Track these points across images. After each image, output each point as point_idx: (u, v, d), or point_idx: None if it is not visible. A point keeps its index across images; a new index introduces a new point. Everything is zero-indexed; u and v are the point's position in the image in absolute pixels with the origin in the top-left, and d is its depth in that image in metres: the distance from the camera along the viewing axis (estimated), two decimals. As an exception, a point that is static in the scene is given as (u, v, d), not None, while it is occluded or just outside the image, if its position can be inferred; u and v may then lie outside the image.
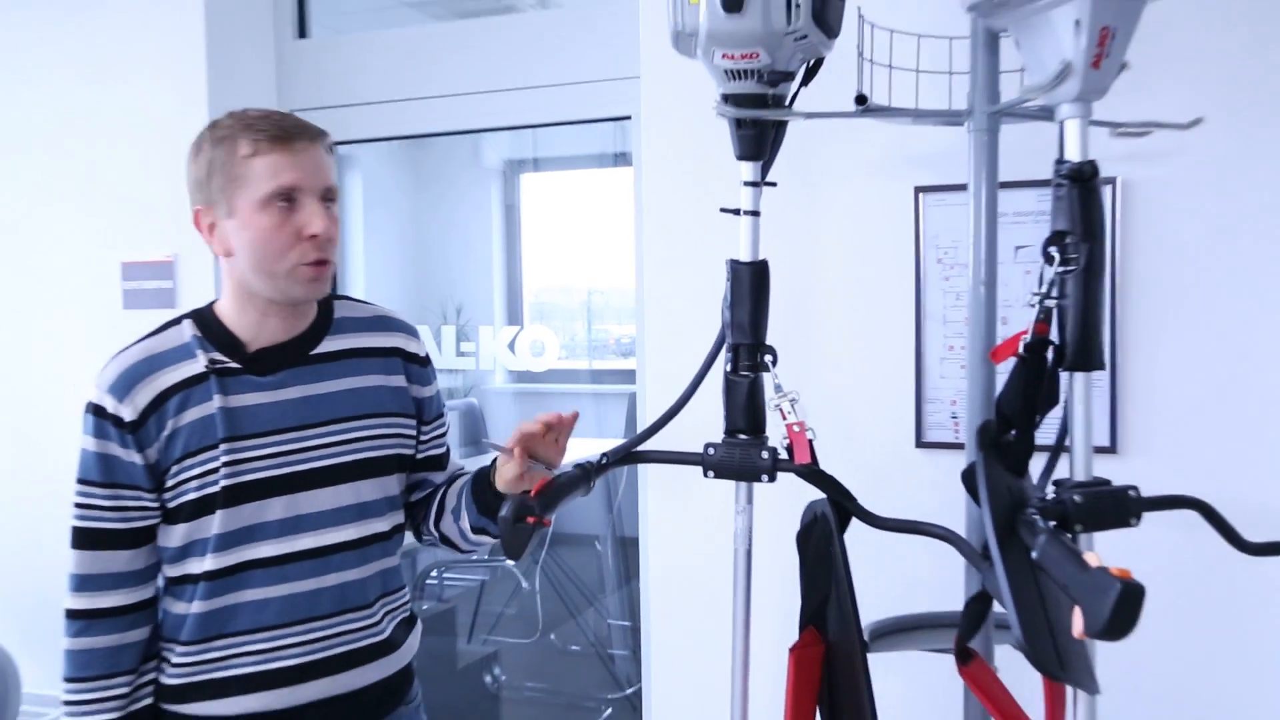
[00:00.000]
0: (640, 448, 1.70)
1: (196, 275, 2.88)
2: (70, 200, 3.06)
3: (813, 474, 1.56)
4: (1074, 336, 1.36)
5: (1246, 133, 1.98)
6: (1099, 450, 1.95)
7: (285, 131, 1.54)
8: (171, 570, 1.59)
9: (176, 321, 1.62)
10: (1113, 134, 1.71)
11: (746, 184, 1.65)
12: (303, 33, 3.12)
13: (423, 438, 1.75)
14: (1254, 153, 1.98)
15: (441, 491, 1.77)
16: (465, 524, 1.70)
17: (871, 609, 1.66)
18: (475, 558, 3.86)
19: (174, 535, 1.56)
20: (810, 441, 1.56)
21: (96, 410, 1.54)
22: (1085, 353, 1.36)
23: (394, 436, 1.68)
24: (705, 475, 1.64)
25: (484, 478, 1.67)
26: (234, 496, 1.54)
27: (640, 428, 2.21)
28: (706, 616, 2.40)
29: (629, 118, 2.63)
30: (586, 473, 1.61)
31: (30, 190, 3.11)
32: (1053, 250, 1.36)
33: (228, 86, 2.91)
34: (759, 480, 1.62)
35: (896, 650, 1.75)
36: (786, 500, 1.74)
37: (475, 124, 2.95)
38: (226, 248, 1.56)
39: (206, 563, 1.55)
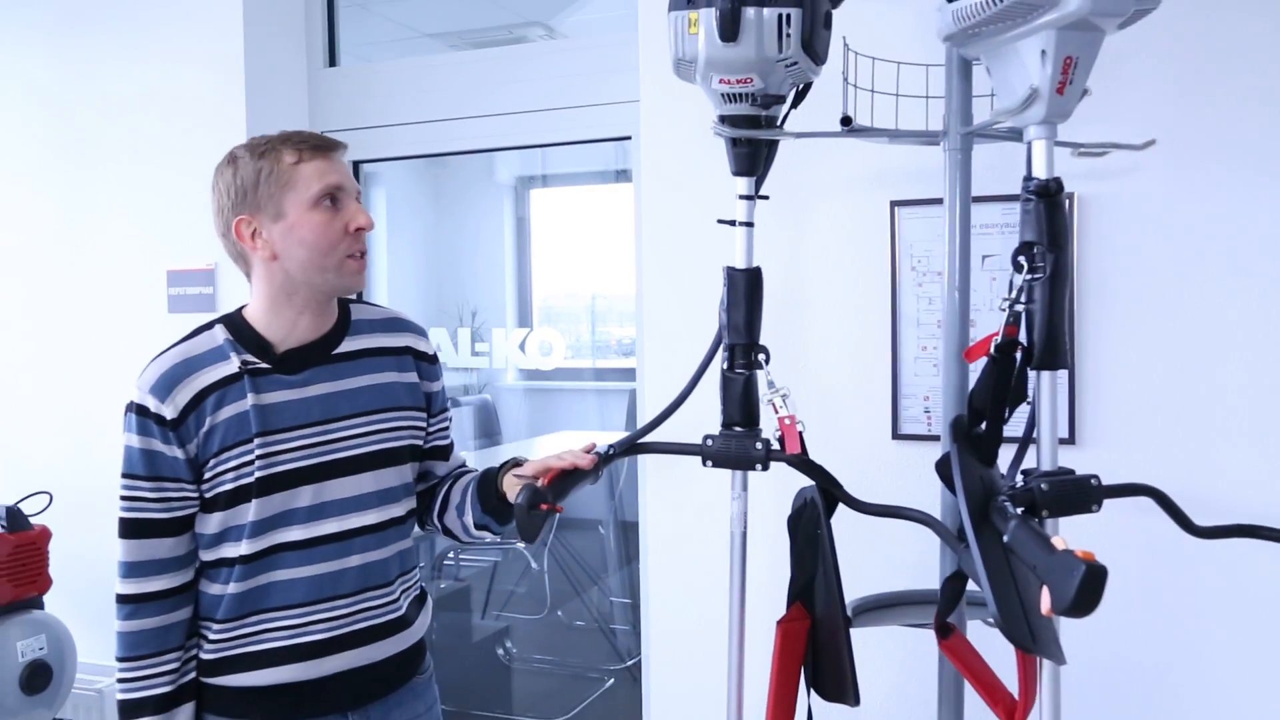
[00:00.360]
0: (645, 439, 1.70)
1: (235, 282, 2.87)
2: (121, 213, 3.06)
3: (803, 463, 1.56)
4: (1041, 338, 1.35)
5: (1192, 154, 1.99)
6: (1060, 442, 1.95)
7: (324, 142, 1.60)
8: (207, 555, 1.59)
9: (209, 326, 1.62)
10: (1074, 153, 1.71)
11: (741, 197, 1.65)
12: (332, 61, 3.12)
13: (430, 429, 1.76)
14: (1198, 172, 1.99)
15: (446, 487, 1.77)
16: (469, 520, 1.71)
17: (855, 587, 1.65)
18: (487, 540, 3.84)
19: (210, 523, 1.56)
20: (800, 433, 1.56)
21: (140, 410, 1.54)
22: (1052, 353, 1.35)
23: (408, 428, 1.69)
24: (704, 464, 1.63)
25: (490, 482, 1.68)
26: (267, 486, 1.54)
27: (639, 422, 2.21)
28: (701, 594, 2.40)
29: (629, 138, 2.63)
30: (594, 463, 1.61)
31: (85, 203, 3.11)
32: (1022, 259, 1.36)
33: (264, 111, 2.91)
34: (753, 469, 1.61)
35: (878, 625, 1.75)
36: (778, 487, 1.74)
37: (489, 144, 2.95)
38: (272, 251, 1.56)
39: (242, 547, 1.55)
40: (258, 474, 1.54)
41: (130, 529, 1.55)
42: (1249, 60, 1.94)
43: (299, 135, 1.59)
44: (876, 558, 2.04)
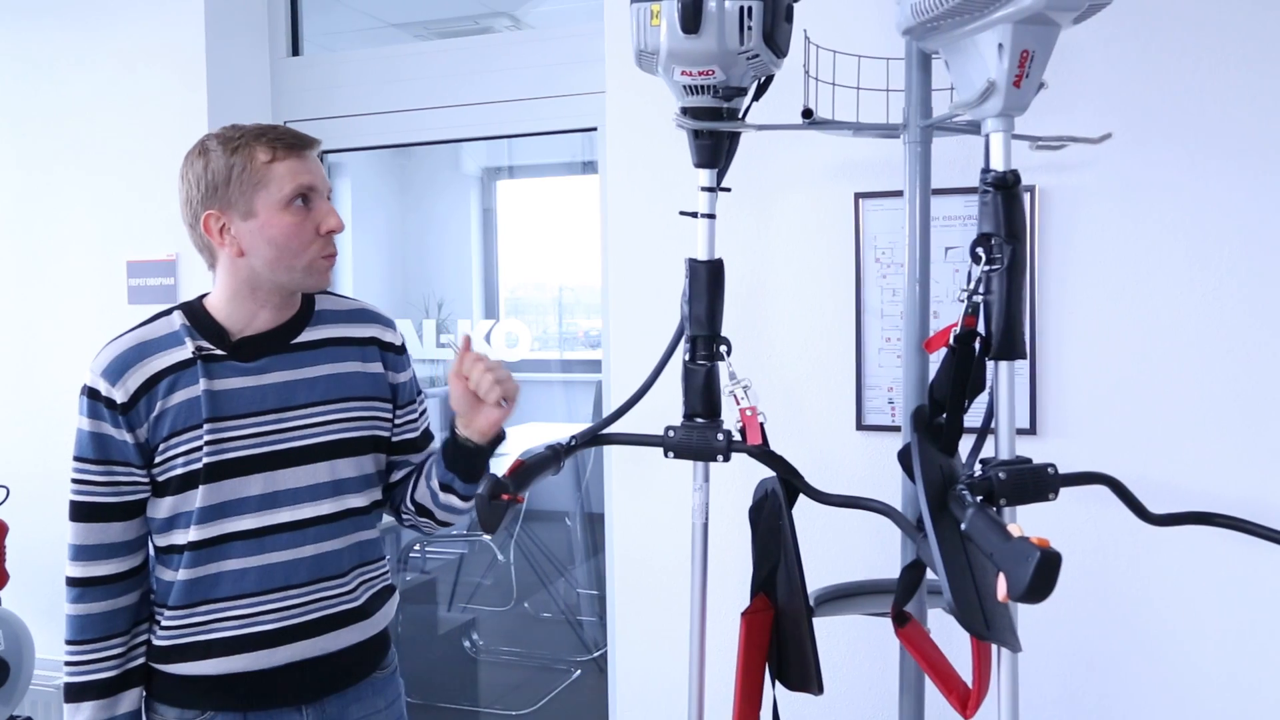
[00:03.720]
0: (606, 430, 1.70)
1: (196, 273, 2.85)
2: (81, 204, 3.01)
3: (764, 454, 1.57)
4: (999, 329, 1.37)
5: (1148, 147, 2.01)
6: (1019, 432, 1.97)
7: (298, 140, 1.57)
8: (160, 540, 1.58)
9: (168, 312, 1.61)
10: (1032, 147, 1.73)
11: (703, 189, 1.65)
12: (296, 50, 3.09)
13: (398, 420, 1.74)
14: (1155, 164, 2.01)
15: (418, 468, 1.76)
16: (435, 483, 1.68)
17: (816, 577, 1.67)
18: (454, 532, 3.82)
19: (161, 508, 1.56)
20: (761, 425, 1.57)
21: (91, 393, 1.54)
22: (1009, 343, 1.37)
23: (369, 419, 1.67)
24: (666, 455, 1.63)
25: (449, 438, 1.66)
26: (215, 473, 1.54)
27: (606, 413, 2.21)
28: (666, 585, 2.40)
29: (595, 129, 2.62)
30: (556, 454, 1.61)
31: (45, 195, 3.06)
32: (980, 250, 1.37)
33: (227, 100, 2.88)
34: (715, 460, 1.62)
35: (839, 614, 1.76)
36: (740, 478, 1.74)
37: (454, 134, 2.93)
38: (240, 248, 1.55)
39: (190, 534, 1.54)
40: (205, 460, 1.53)
41: (80, 512, 1.55)
42: (1205, 52, 1.97)
43: (274, 131, 1.56)
44: (838, 548, 2.05)
